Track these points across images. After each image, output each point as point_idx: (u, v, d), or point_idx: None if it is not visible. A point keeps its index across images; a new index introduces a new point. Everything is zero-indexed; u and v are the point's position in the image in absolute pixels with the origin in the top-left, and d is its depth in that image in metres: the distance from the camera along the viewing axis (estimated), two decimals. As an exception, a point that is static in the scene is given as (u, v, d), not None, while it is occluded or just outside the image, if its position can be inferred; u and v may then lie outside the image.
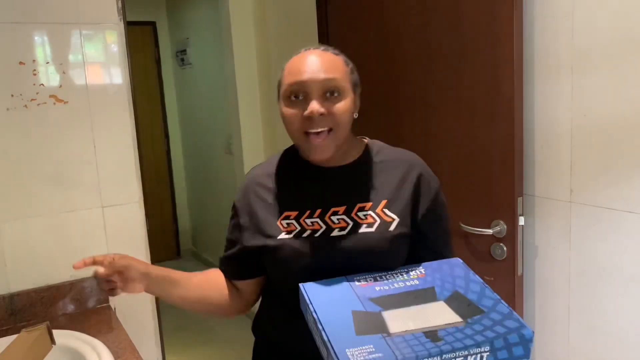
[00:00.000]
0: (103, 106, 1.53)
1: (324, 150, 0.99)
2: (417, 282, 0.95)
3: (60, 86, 1.47)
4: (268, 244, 1.03)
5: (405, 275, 0.97)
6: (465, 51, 1.56)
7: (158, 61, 4.80)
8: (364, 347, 0.80)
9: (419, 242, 1.07)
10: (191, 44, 4.40)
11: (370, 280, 0.96)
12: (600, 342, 1.41)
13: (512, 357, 0.82)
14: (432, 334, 0.82)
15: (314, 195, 1.05)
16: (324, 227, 1.01)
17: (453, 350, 0.79)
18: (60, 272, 1.51)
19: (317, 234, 1.01)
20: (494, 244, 1.55)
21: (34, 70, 1.44)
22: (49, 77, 1.46)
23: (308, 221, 1.02)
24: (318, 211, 1.03)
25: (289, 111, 0.99)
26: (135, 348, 1.30)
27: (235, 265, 1.12)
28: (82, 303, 1.52)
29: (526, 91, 1.49)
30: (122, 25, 1.54)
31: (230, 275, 1.13)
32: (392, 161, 1.08)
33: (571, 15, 1.36)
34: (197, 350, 3.25)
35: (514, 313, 0.86)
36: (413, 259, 1.07)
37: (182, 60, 4.58)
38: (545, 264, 1.53)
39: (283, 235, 1.01)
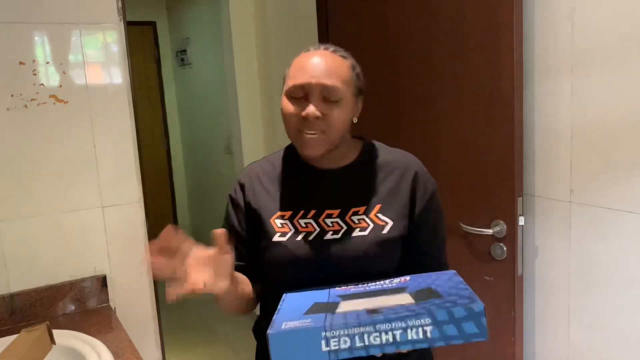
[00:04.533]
0: (103, 106, 1.53)
1: (315, 148, 1.00)
2: (394, 284, 0.93)
3: (60, 86, 1.47)
4: (262, 245, 1.04)
5: (387, 282, 0.95)
6: (465, 51, 1.56)
7: (158, 61, 4.80)
8: (301, 321, 0.79)
9: (413, 243, 1.05)
10: (191, 44, 4.40)
11: (351, 285, 0.95)
12: (600, 342, 1.41)
13: (465, 335, 0.76)
14: (373, 311, 0.79)
15: (308, 196, 1.05)
16: (317, 229, 1.02)
17: (387, 321, 0.76)
18: (60, 272, 1.51)
19: (311, 237, 1.01)
20: (494, 244, 1.55)
21: (34, 70, 1.44)
22: (49, 77, 1.46)
23: (302, 222, 1.03)
24: (312, 212, 1.03)
25: (288, 108, 1.01)
26: (135, 348, 1.30)
27: (248, 269, 1.10)
28: (82, 303, 1.52)
29: (526, 91, 1.49)
30: (122, 25, 1.54)
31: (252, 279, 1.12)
32: (389, 163, 1.08)
33: (571, 16, 1.36)
34: (197, 350, 3.25)
35: (474, 294, 0.81)
36: (407, 262, 1.06)
37: (182, 60, 4.58)
38: (545, 264, 1.53)
39: (277, 237, 1.02)
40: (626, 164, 1.29)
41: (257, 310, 1.18)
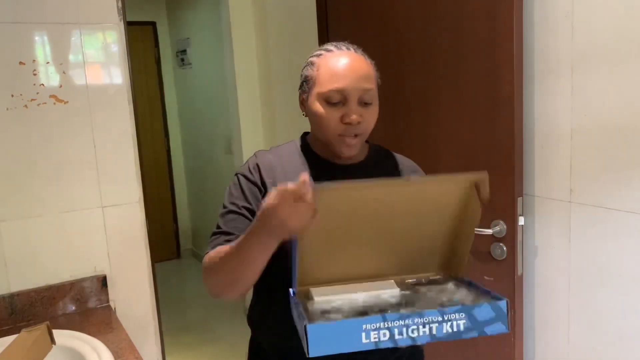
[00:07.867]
0: (103, 106, 1.53)
1: (354, 148, 1.04)
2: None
3: (60, 86, 1.47)
4: None
5: None
6: (465, 51, 1.56)
7: (158, 61, 4.80)
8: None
9: None
10: (191, 44, 4.40)
11: None
12: (600, 342, 1.41)
13: (491, 329, 0.82)
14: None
15: None
16: None
17: (425, 315, 0.81)
18: (60, 272, 1.51)
19: None
20: (494, 244, 1.55)
21: (34, 70, 1.44)
22: (49, 77, 1.46)
23: None
24: None
25: (326, 113, 1.01)
26: (135, 348, 1.30)
27: None
28: (82, 303, 1.52)
29: (526, 91, 1.49)
30: (122, 25, 1.54)
31: None
32: (398, 163, 1.14)
33: (571, 16, 1.36)
34: (197, 350, 3.24)
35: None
36: None
37: (182, 60, 4.57)
38: (545, 264, 1.53)
39: None
40: (626, 164, 1.29)
41: (248, 300, 1.18)
